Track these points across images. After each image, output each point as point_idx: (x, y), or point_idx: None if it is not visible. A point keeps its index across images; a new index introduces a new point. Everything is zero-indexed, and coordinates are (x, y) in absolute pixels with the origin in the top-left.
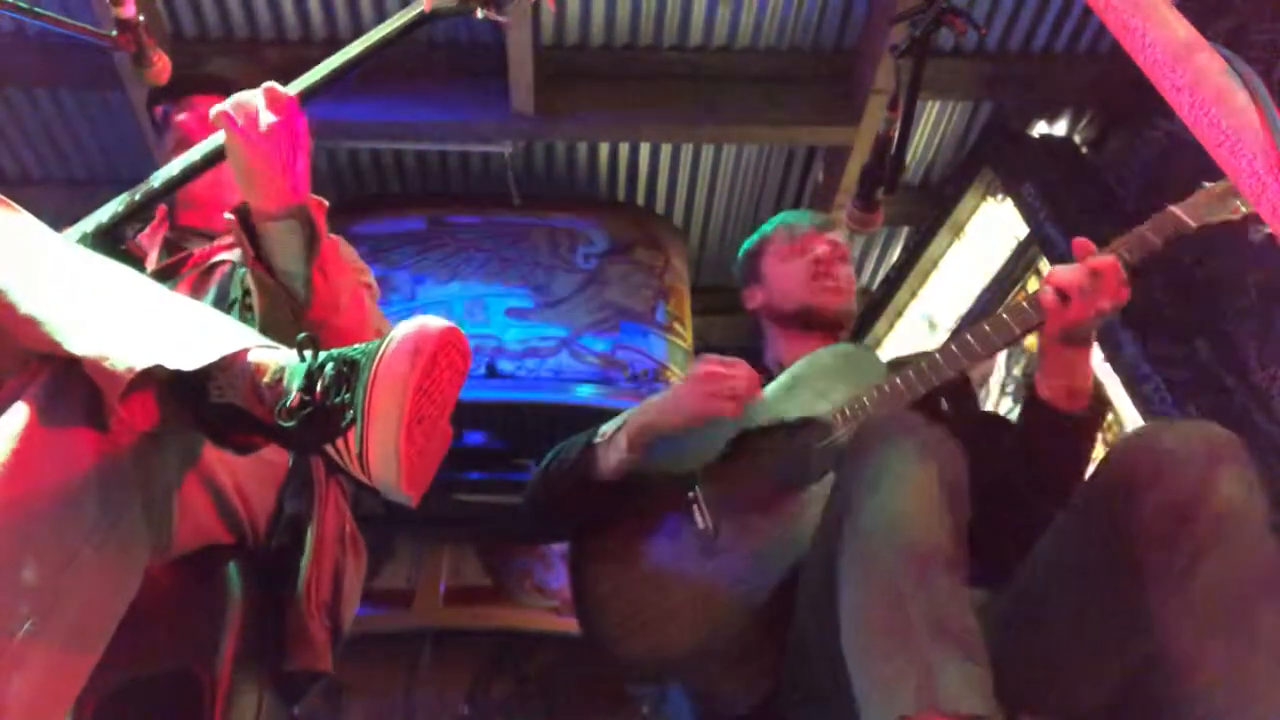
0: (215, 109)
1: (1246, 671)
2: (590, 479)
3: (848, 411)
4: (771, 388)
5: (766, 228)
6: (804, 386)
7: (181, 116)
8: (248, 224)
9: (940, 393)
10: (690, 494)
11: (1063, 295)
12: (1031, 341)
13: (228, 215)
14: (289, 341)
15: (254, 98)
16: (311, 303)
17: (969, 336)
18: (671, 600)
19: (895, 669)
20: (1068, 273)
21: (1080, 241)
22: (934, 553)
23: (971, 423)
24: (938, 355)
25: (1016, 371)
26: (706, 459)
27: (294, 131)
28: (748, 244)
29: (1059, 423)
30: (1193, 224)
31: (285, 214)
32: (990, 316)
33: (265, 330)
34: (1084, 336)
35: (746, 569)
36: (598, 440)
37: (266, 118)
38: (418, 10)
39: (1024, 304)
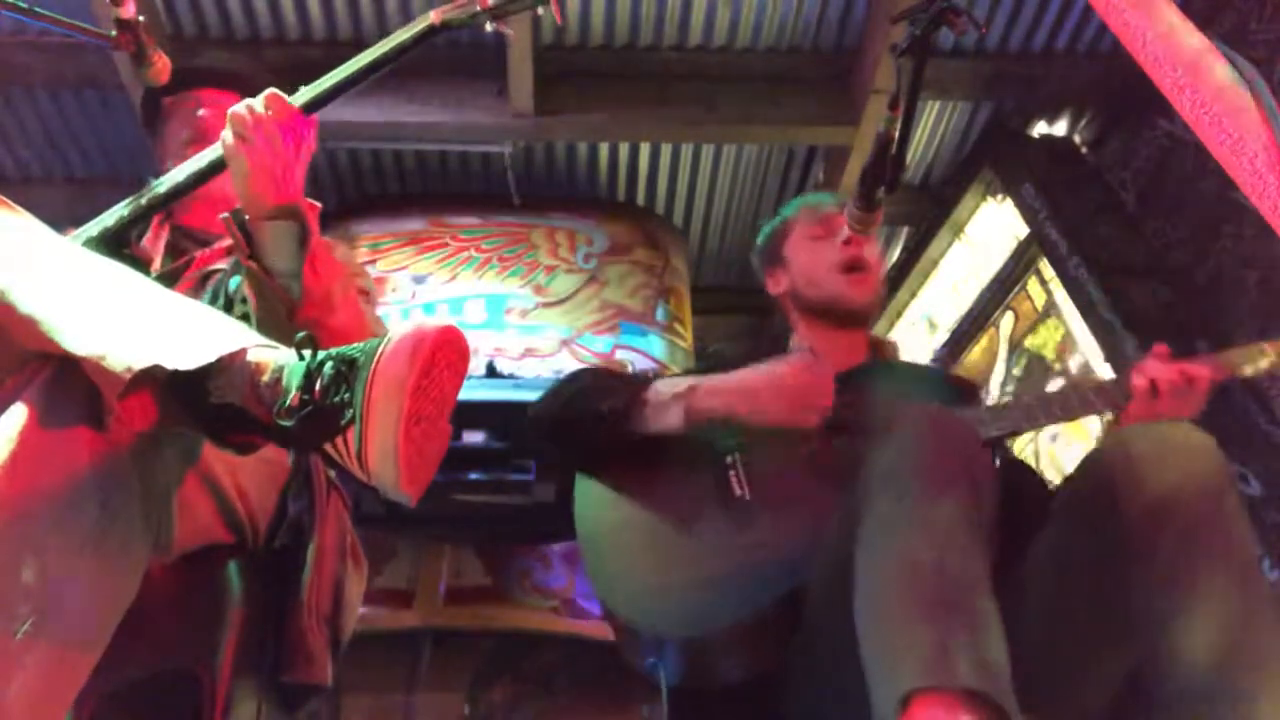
0: (224, 134)
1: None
2: (628, 428)
3: None
4: None
5: (787, 210)
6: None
7: (176, 110)
8: (243, 224)
9: (996, 441)
10: (729, 459)
11: (1155, 389)
12: (1031, 342)
13: (223, 216)
14: (283, 342)
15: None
16: (304, 300)
17: (1048, 399)
18: (681, 553)
19: (905, 643)
20: (1165, 369)
21: (1161, 348)
22: (954, 535)
23: (1008, 470)
24: (1011, 406)
25: (1016, 371)
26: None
27: (298, 143)
28: (768, 227)
29: None
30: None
31: (278, 213)
32: (1074, 386)
33: (260, 331)
34: None
35: (777, 558)
36: (650, 396)
37: (274, 133)
38: (426, 23)
39: (1112, 383)
